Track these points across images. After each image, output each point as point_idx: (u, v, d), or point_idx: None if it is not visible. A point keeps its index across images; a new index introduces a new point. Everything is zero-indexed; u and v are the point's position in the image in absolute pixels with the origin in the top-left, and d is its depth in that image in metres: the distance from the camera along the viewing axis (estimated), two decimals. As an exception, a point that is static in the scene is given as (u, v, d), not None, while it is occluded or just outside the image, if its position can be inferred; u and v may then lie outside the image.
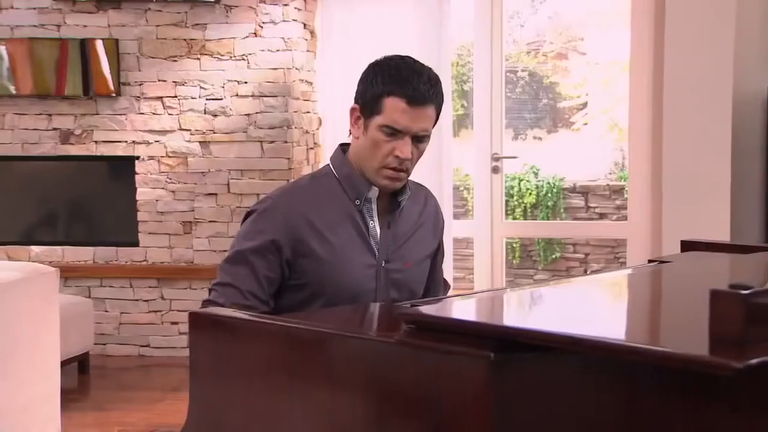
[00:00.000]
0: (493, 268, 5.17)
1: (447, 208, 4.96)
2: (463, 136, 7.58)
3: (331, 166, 2.16)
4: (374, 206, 2.11)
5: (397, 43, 4.92)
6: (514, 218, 7.31)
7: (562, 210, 7.43)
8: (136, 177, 4.96)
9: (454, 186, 7.18)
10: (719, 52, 4.31)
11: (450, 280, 4.97)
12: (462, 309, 1.32)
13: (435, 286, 2.32)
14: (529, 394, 1.05)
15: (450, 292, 2.51)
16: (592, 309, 1.29)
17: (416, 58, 2.10)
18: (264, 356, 1.33)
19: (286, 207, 2.07)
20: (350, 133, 2.14)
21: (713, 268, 1.66)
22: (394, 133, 2.03)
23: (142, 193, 4.97)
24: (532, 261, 7.45)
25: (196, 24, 4.87)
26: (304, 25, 4.96)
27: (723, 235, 4.18)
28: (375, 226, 2.11)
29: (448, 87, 4.94)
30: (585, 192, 7.43)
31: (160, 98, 4.92)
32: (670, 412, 1.01)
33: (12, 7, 5.04)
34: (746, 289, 0.95)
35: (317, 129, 5.17)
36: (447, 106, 4.92)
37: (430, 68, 2.10)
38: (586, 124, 8.04)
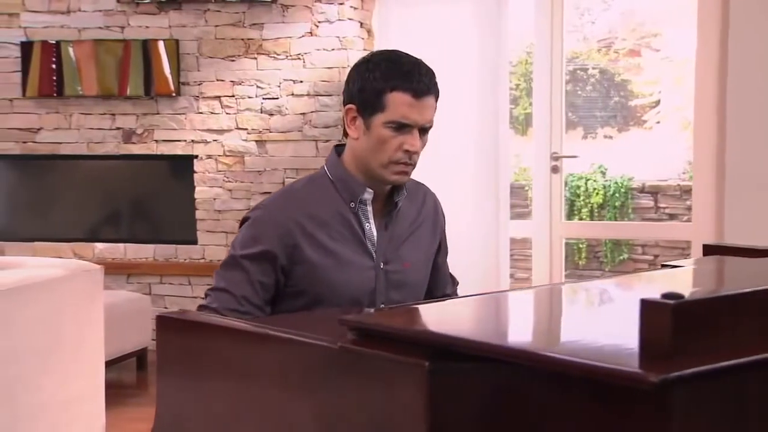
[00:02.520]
0: (552, 270, 5.08)
1: (503, 208, 4.88)
2: (530, 135, 7.48)
3: (325, 168, 2.14)
4: (370, 208, 2.09)
5: (455, 41, 4.89)
6: (581, 218, 7.18)
7: (630, 210, 7.26)
8: (195, 176, 5.03)
9: (520, 185, 7.10)
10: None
11: (507, 280, 4.91)
12: (406, 317, 1.28)
13: (440, 285, 2.28)
14: (467, 403, 1.01)
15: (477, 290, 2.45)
16: (541, 318, 1.25)
17: (475, 56, 2.10)
18: (222, 358, 1.33)
19: (279, 213, 2.05)
20: (344, 135, 2.12)
21: (710, 274, 1.59)
22: (401, 127, 2.01)
23: (200, 192, 5.04)
24: (599, 262, 7.30)
25: (254, 24, 4.91)
26: (361, 23, 4.95)
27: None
28: (371, 228, 2.09)
29: (506, 85, 4.87)
30: (655, 192, 7.26)
31: (218, 98, 4.97)
32: (610, 422, 0.96)
33: (80, 10, 5.16)
34: (676, 299, 0.89)
35: (373, 128, 5.15)
36: (504, 104, 4.85)
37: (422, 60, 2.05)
38: (658, 122, 7.84)
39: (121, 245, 5.19)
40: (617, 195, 7.24)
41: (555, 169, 5.01)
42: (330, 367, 1.13)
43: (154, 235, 5.18)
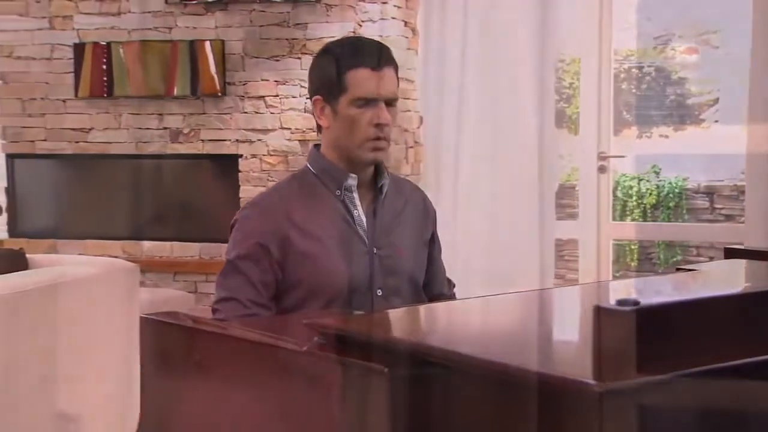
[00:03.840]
0: (600, 271, 4.99)
1: (549, 208, 4.79)
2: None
3: (307, 164, 2.16)
4: (356, 194, 2.11)
5: (501, 40, 4.83)
6: (633, 219, 7.05)
7: (684, 211, 7.11)
8: (239, 175, 5.06)
9: (571, 186, 6.99)
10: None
11: (551, 281, 4.85)
12: (369, 321, 1.26)
13: (436, 280, 2.28)
14: (428, 408, 0.99)
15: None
16: (512, 324, 1.21)
17: (521, 53, 2.14)
18: (197, 360, 1.33)
19: (266, 209, 2.08)
20: (318, 130, 2.15)
21: (714, 279, 1.53)
22: (366, 103, 2.05)
23: (245, 191, 5.06)
24: (652, 264, 7.16)
25: (298, 24, 4.92)
26: (405, 22, 4.93)
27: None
28: (360, 214, 2.11)
29: (552, 83, 4.80)
30: (710, 192, 7.09)
31: (263, 97, 5.00)
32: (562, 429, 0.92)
33: (129, 12, 5.24)
34: (632, 305, 0.85)
35: (417, 127, 5.13)
36: (550, 102, 4.76)
37: None
38: (716, 121, 7.66)
39: (167, 243, 5.24)
40: (671, 195, 7.10)
41: (602, 169, 4.93)
42: (296, 371, 1.12)
43: (199, 234, 5.23)
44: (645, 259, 7.21)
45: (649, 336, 0.82)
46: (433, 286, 2.24)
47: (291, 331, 1.30)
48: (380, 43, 2.13)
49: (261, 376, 1.16)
